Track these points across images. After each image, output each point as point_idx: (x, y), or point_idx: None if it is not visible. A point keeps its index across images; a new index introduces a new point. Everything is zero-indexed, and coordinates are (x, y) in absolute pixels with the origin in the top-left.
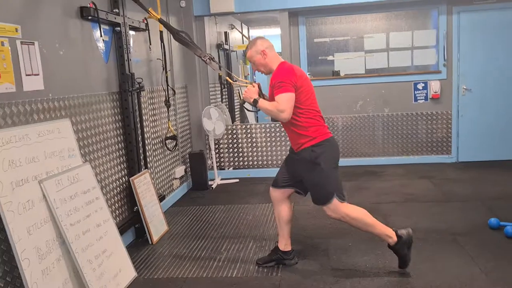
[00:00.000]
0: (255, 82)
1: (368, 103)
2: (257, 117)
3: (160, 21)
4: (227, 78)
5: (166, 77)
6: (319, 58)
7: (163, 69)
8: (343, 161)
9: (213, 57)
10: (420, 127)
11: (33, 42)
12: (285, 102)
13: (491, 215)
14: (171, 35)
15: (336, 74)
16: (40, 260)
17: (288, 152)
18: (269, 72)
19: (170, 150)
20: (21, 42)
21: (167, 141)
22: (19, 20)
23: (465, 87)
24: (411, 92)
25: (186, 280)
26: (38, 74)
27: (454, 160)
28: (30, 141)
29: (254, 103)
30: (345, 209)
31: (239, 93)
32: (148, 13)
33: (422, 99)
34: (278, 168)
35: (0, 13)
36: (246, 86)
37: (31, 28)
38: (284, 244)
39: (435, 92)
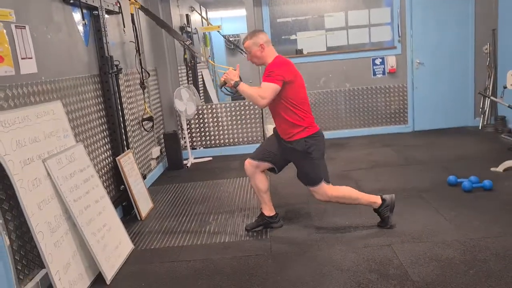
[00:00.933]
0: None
1: (330, 79)
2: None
3: (141, 8)
4: (209, 60)
5: (140, 60)
6: (283, 37)
7: (137, 52)
8: None
9: (192, 42)
10: (379, 100)
11: (25, 26)
12: (268, 90)
13: (448, 174)
14: (155, 21)
15: (299, 52)
16: (51, 233)
17: (266, 133)
18: (261, 64)
19: (147, 131)
20: (15, 26)
21: (143, 122)
22: (12, 4)
23: (418, 61)
24: (370, 68)
25: (182, 248)
26: (31, 58)
27: (411, 130)
28: (31, 122)
29: (235, 85)
30: (331, 191)
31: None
32: (130, 0)
33: (380, 74)
34: (249, 145)
35: None
36: (227, 69)
37: (21, 12)
38: (269, 210)
39: (392, 66)
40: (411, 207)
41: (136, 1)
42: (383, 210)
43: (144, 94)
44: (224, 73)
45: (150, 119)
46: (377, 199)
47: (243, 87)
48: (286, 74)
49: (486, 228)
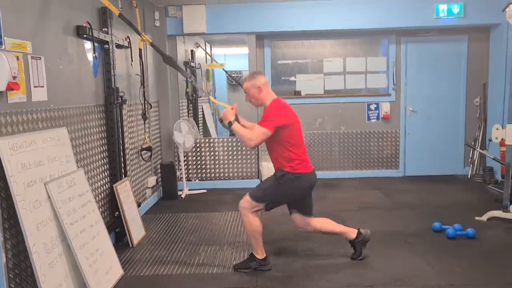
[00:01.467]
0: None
1: (326, 121)
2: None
3: (152, 45)
4: (210, 97)
5: (144, 92)
6: (282, 78)
7: (141, 84)
8: None
9: (195, 78)
10: (373, 144)
11: (40, 57)
12: (258, 134)
13: (434, 220)
14: (162, 58)
15: (297, 93)
16: (47, 254)
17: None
18: (259, 105)
19: (145, 161)
20: (31, 57)
21: (142, 152)
22: (29, 36)
23: (411, 109)
24: (365, 112)
25: (171, 277)
26: (43, 86)
27: (402, 175)
28: (37, 147)
29: (229, 124)
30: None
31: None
32: (141, 37)
33: (374, 119)
34: (243, 180)
35: (16, 31)
36: (225, 107)
37: (38, 44)
38: (261, 253)
39: (386, 112)
40: (395, 251)
41: (147, 38)
42: (358, 243)
43: (145, 125)
44: (224, 109)
45: (149, 149)
46: (354, 232)
47: (236, 128)
48: (280, 119)
49: (466, 274)
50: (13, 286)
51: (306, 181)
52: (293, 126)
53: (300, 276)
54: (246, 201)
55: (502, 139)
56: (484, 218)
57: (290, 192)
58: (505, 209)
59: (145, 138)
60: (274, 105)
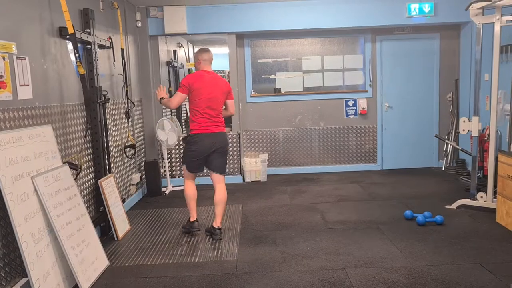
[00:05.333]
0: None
1: (305, 117)
2: None
3: None
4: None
5: (127, 91)
6: (263, 76)
7: (124, 83)
8: (284, 169)
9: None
10: (351, 139)
11: (25, 57)
12: (175, 97)
13: (407, 209)
14: None
15: (277, 91)
16: (35, 244)
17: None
18: None
19: (129, 158)
20: (16, 57)
21: (126, 150)
22: (14, 37)
23: (387, 105)
24: (343, 108)
25: (155, 266)
26: (28, 85)
27: (379, 168)
28: (23, 143)
29: (160, 100)
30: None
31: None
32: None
33: (352, 115)
34: (226, 177)
35: (2, 32)
36: None
37: (23, 45)
38: (191, 216)
39: (363, 108)
40: (368, 237)
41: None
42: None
43: (128, 123)
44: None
45: (133, 146)
46: (192, 217)
47: (163, 101)
48: (185, 82)
49: (431, 257)
50: (3, 274)
51: (198, 142)
52: (197, 91)
53: (278, 262)
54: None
55: (468, 130)
56: (453, 206)
57: (187, 150)
58: (473, 197)
59: (128, 136)
60: (189, 74)
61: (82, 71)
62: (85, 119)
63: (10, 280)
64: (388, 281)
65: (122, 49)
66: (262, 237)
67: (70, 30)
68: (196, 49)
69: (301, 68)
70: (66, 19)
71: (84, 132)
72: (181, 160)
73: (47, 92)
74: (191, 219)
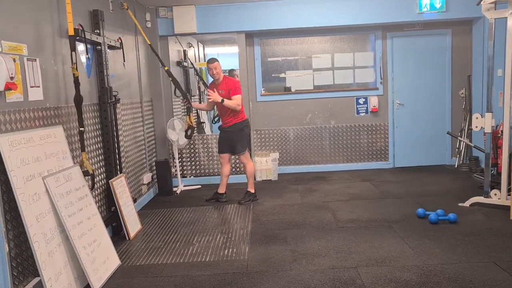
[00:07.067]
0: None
1: (316, 116)
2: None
3: (167, 71)
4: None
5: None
6: (272, 75)
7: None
8: (295, 168)
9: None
10: (362, 137)
11: (36, 59)
12: (240, 99)
13: (419, 207)
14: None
15: (287, 89)
16: (46, 244)
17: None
18: (217, 78)
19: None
20: (27, 59)
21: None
22: (25, 39)
23: (398, 102)
24: (354, 106)
25: (166, 266)
26: (39, 86)
27: (391, 166)
28: (35, 143)
29: (222, 101)
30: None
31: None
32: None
33: (363, 113)
34: (237, 176)
35: (12, 34)
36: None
37: (34, 46)
38: (222, 189)
39: (374, 106)
40: (379, 236)
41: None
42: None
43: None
44: (209, 97)
45: (192, 128)
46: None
47: (227, 102)
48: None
49: (444, 255)
50: (15, 274)
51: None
52: None
53: (289, 261)
54: (245, 156)
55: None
56: (467, 204)
57: (247, 135)
58: (486, 195)
59: (189, 118)
60: (234, 80)
61: (76, 73)
62: (96, 119)
63: (22, 280)
64: (400, 280)
65: (150, 45)
66: (273, 236)
67: (70, 32)
68: (206, 49)
69: (311, 66)
70: (68, 20)
71: (95, 132)
72: (243, 147)
73: (58, 93)
74: (220, 191)
